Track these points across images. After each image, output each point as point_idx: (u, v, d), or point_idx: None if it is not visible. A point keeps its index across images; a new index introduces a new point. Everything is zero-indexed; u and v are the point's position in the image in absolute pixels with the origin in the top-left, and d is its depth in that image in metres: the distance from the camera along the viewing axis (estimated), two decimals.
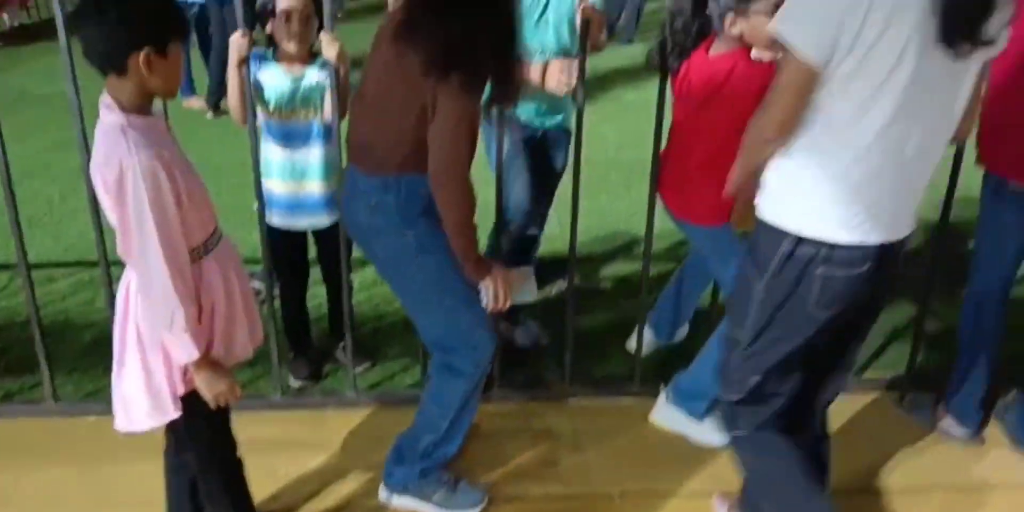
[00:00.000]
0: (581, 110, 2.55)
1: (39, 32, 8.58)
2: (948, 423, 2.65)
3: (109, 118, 1.71)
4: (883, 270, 1.79)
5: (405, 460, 2.30)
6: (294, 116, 2.64)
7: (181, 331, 1.75)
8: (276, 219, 2.70)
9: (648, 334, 2.94)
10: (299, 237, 2.79)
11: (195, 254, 1.81)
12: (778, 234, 1.76)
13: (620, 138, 5.51)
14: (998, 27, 1.57)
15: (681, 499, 2.43)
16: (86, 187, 2.23)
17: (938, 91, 1.62)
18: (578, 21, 2.58)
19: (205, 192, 1.86)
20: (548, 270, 3.42)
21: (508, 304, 2.17)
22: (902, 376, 2.87)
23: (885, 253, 1.76)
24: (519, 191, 2.93)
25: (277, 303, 2.85)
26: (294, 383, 2.86)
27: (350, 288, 2.71)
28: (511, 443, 2.61)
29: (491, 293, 2.15)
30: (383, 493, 2.35)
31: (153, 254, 1.70)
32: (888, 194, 1.70)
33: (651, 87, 2.54)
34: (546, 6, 2.74)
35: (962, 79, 1.64)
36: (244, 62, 2.44)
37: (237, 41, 2.43)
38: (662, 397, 2.69)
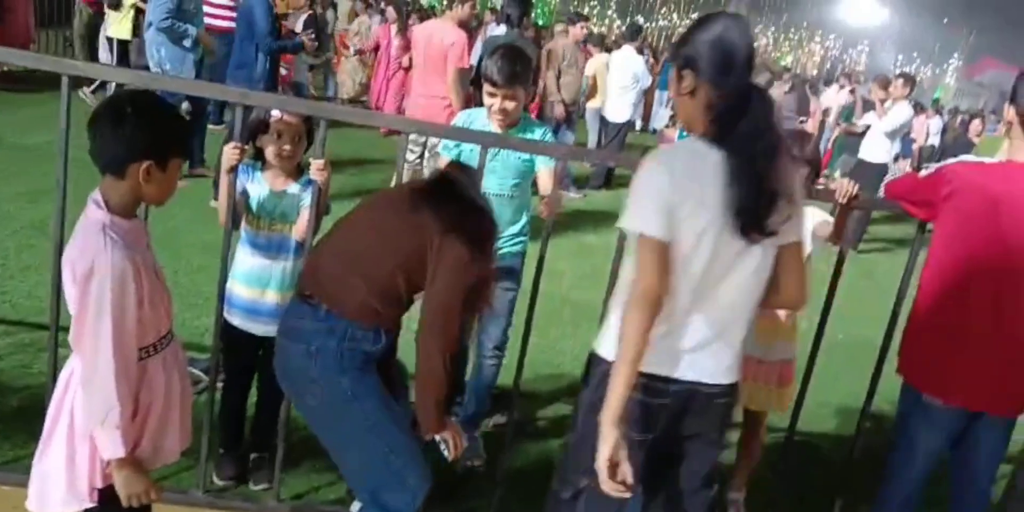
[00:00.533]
0: (544, 248, 2.70)
1: (36, 82, 8.66)
2: None
3: (95, 214, 1.83)
4: (695, 410, 2.08)
5: None
6: (272, 228, 2.73)
7: (113, 428, 1.81)
8: (236, 320, 2.76)
9: None
10: (254, 339, 2.81)
11: (143, 353, 1.89)
12: (608, 364, 1.99)
13: (575, 277, 5.69)
14: (779, 223, 1.94)
15: None
16: (49, 244, 2.25)
17: (737, 264, 1.97)
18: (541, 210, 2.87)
19: (167, 296, 1.98)
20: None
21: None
22: None
23: (695, 394, 2.05)
24: None
25: (217, 395, 2.85)
26: (218, 481, 2.83)
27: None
28: None
29: (451, 445, 2.26)
30: None
31: (103, 350, 1.77)
32: (697, 341, 2.02)
33: (612, 233, 2.67)
34: (496, 154, 2.96)
35: (762, 256, 1.99)
36: (232, 170, 2.56)
37: (228, 151, 2.54)
38: None
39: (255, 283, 2.74)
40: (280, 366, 2.24)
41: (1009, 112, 2.48)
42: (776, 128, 1.93)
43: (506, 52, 3.02)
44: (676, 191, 1.88)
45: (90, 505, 1.90)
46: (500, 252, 3.11)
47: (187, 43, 6.16)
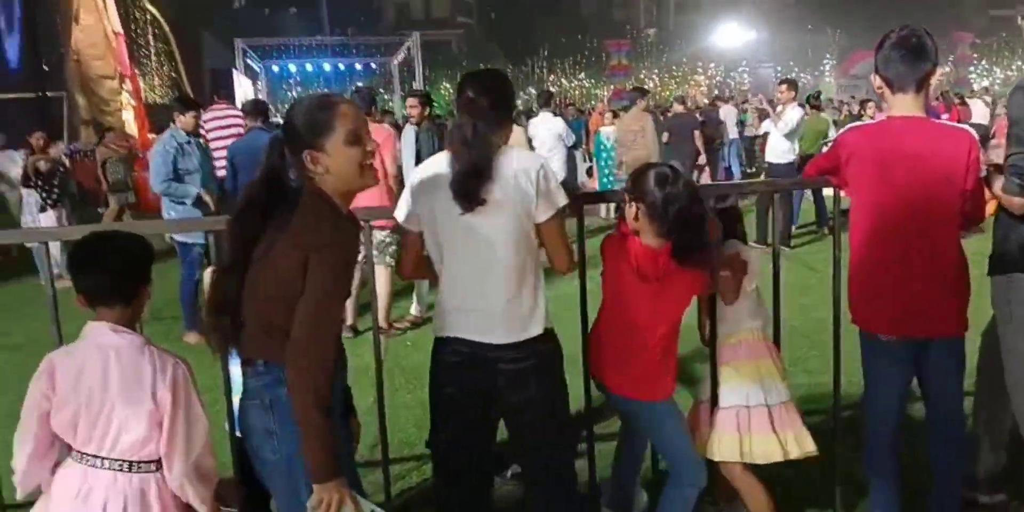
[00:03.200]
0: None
1: None
2: None
3: (130, 339, 2.09)
4: (486, 370, 2.46)
5: None
6: None
7: None
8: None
9: None
10: None
11: None
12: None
13: None
14: (490, 193, 2.38)
15: None
16: None
17: (471, 234, 2.43)
18: None
19: None
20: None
21: None
22: None
23: (479, 353, 2.46)
24: None
25: None
26: None
27: None
28: None
29: (315, 501, 2.03)
30: None
31: (200, 434, 2.12)
32: (463, 305, 2.49)
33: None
34: None
35: (483, 224, 2.42)
36: None
37: (210, 274, 2.60)
38: None
39: None
40: (243, 426, 2.24)
41: (876, 79, 2.84)
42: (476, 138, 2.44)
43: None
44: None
45: None
46: None
47: (188, 202, 6.23)
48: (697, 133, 11.61)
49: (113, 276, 2.09)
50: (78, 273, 2.11)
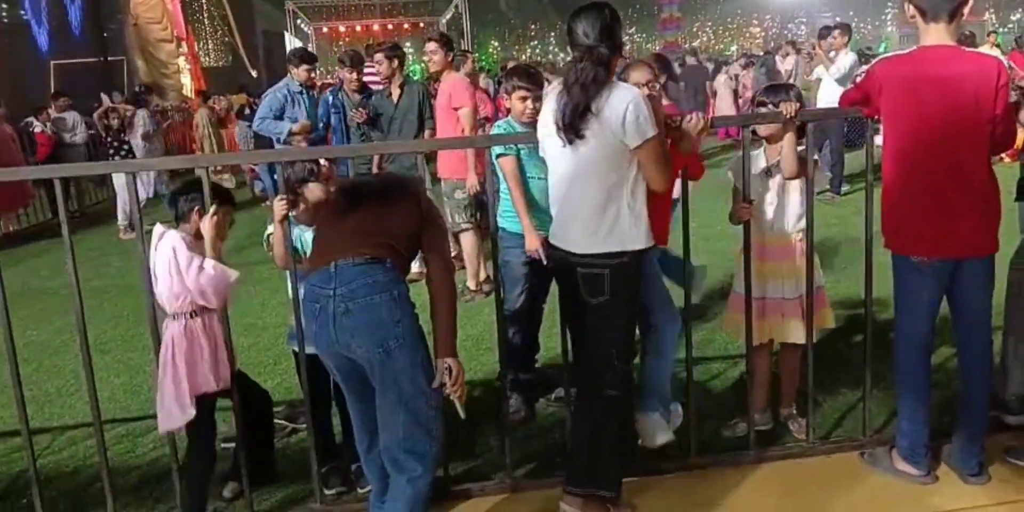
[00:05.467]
0: None
1: (32, 236, 9.25)
2: (904, 467, 3.04)
3: (168, 235, 2.92)
4: (561, 269, 2.87)
5: None
6: None
7: None
8: (309, 349, 3.03)
9: None
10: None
11: None
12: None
13: None
14: (585, 131, 2.65)
15: None
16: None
17: (568, 159, 2.75)
18: None
19: None
20: (548, 376, 3.93)
21: (456, 393, 2.57)
22: (860, 437, 3.32)
23: (569, 259, 2.80)
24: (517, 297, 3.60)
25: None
26: (328, 492, 3.15)
27: None
28: None
29: (452, 367, 2.54)
30: None
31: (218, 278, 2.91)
32: (557, 217, 2.88)
33: None
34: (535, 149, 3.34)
35: (582, 154, 2.70)
36: (284, 219, 2.96)
37: (278, 205, 2.95)
38: None
39: None
40: (364, 322, 2.51)
41: (909, 8, 2.89)
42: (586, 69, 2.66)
43: (525, 67, 4.06)
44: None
45: None
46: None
47: (281, 138, 6.55)
48: (709, 84, 12.74)
49: (170, 203, 3.05)
50: None
